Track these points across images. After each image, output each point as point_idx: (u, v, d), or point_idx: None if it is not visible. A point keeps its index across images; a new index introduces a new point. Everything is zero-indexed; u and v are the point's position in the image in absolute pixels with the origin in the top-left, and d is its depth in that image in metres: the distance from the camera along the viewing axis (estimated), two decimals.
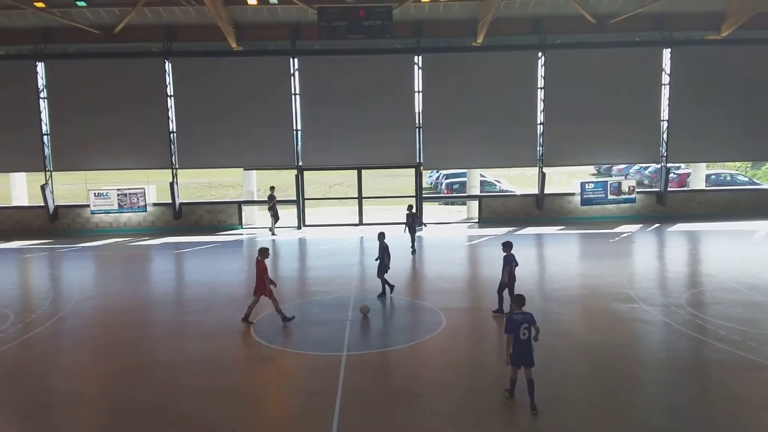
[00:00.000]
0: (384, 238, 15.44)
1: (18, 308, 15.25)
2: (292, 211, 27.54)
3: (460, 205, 32.19)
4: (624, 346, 11.77)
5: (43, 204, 26.01)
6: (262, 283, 13.18)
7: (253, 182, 28.21)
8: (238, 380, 10.65)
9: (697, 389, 9.93)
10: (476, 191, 28.51)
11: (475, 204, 27.72)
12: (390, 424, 8.90)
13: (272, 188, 25.72)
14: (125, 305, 15.34)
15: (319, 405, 9.49)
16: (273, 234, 25.28)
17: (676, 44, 25.36)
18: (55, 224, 26.29)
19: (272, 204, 25.37)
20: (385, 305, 14.72)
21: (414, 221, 20.94)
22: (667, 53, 25.64)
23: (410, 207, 21.56)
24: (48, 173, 25.91)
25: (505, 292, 13.38)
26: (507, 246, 13.45)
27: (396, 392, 9.95)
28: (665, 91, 25.88)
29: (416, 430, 8.75)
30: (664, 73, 25.76)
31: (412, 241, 20.83)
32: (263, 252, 13.34)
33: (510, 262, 13.34)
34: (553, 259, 19.98)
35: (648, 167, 37.82)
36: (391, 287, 15.36)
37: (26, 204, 27.72)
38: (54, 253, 22.21)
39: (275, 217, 25.47)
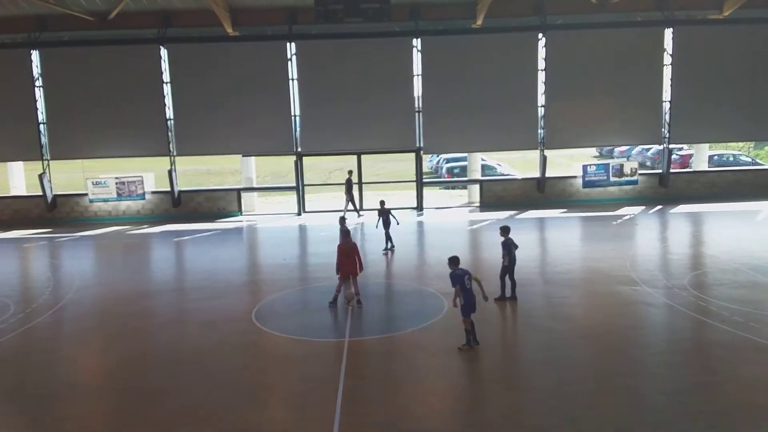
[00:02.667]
0: (344, 222, 15.86)
1: (18, 298, 15.23)
2: (292, 197, 27.43)
3: (461, 189, 32.08)
4: (626, 328, 11.73)
5: (41, 193, 25.92)
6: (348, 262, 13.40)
7: (252, 169, 28.08)
8: (241, 367, 10.62)
9: (700, 371, 9.89)
10: (477, 175, 28.38)
11: (476, 188, 27.60)
12: (393, 409, 8.88)
13: (350, 172, 25.62)
14: (126, 294, 15.30)
15: (322, 391, 9.47)
16: (359, 215, 25.15)
17: (678, 24, 25.03)
18: (54, 213, 26.22)
19: (350, 187, 25.27)
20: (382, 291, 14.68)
21: (389, 217, 18.77)
22: (668, 33, 25.35)
23: (382, 203, 19.35)
24: (45, 162, 25.79)
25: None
26: (505, 230, 13.41)
27: (399, 377, 9.93)
28: (667, 72, 25.64)
29: (419, 415, 8.73)
30: (666, 53, 25.51)
31: (387, 239, 18.80)
32: (344, 233, 14.20)
33: (509, 247, 13.28)
34: (555, 242, 19.91)
35: (650, 149, 37.63)
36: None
37: (24, 193, 27.65)
38: (53, 243, 22.16)
39: (352, 202, 25.33)
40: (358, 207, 25.48)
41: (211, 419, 8.75)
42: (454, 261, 11.01)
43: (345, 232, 14.92)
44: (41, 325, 13.16)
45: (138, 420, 8.87)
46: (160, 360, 11.13)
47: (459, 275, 10.67)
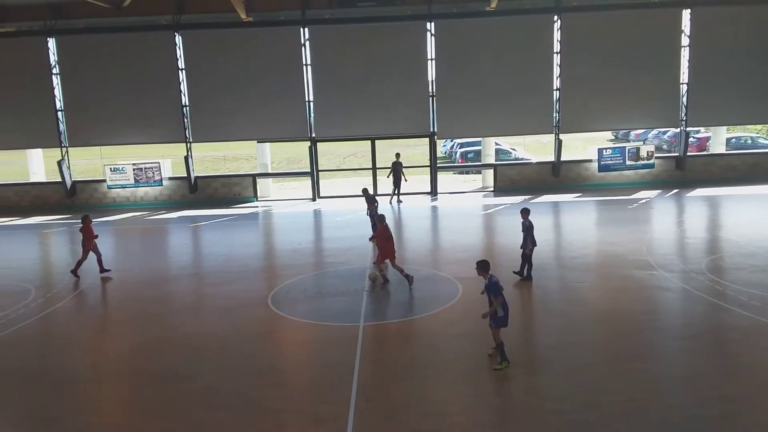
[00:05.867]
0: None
1: (39, 283, 15.51)
2: (307, 183, 27.51)
3: (475, 174, 31.98)
4: (643, 313, 11.69)
5: (60, 180, 26.25)
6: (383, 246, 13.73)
7: (267, 154, 28.17)
8: (257, 352, 10.75)
9: (717, 356, 9.86)
10: (491, 160, 28.25)
11: (490, 173, 27.49)
12: (408, 393, 8.95)
13: (398, 155, 25.29)
14: (144, 279, 15.52)
15: (337, 375, 9.56)
16: (399, 201, 25.07)
17: (696, 5, 24.62)
18: (73, 200, 26.56)
19: (396, 170, 25.03)
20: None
21: (374, 206, 18.25)
22: (686, 14, 24.94)
23: (365, 190, 18.91)
24: (64, 149, 26.08)
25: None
26: (527, 212, 13.61)
27: (413, 362, 10.00)
28: (685, 54, 25.26)
29: (433, 400, 8.80)
30: (683, 34, 25.11)
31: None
32: (380, 219, 14.08)
33: (532, 230, 13.50)
34: (571, 227, 19.82)
35: (667, 132, 37.21)
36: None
37: (44, 180, 27.99)
38: (72, 228, 22.42)
39: (396, 185, 25.09)
40: (395, 192, 25.23)
41: (227, 402, 8.88)
42: (484, 266, 9.59)
43: (381, 217, 14.68)
44: (61, 309, 13.41)
45: (155, 403, 9.04)
46: (177, 344, 11.29)
47: (498, 284, 9.39)
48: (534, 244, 13.65)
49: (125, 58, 25.19)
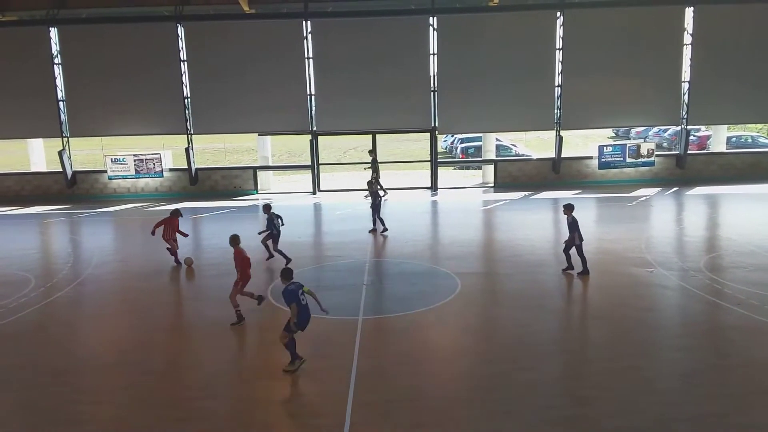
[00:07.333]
0: (270, 209, 15.79)
1: (39, 273, 15.54)
2: (307, 176, 27.51)
3: (476, 169, 31.97)
4: (641, 311, 11.72)
5: (61, 170, 26.23)
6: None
7: (268, 147, 28.15)
8: (256, 344, 10.80)
9: (714, 354, 9.90)
10: (492, 155, 28.23)
11: (490, 168, 27.49)
12: (406, 387, 8.99)
13: (370, 152, 25.52)
14: (144, 270, 15.55)
15: (335, 367, 9.61)
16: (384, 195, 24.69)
17: (699, 2, 24.57)
18: (74, 190, 26.54)
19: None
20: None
21: (377, 200, 18.74)
22: (689, 12, 24.89)
23: (370, 184, 19.48)
24: (65, 139, 26.04)
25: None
26: (569, 209, 13.70)
27: (412, 356, 10.04)
28: (687, 51, 25.23)
29: (432, 394, 8.84)
30: (686, 32, 25.07)
31: (378, 219, 18.82)
32: (234, 239, 12.16)
33: (577, 225, 13.56)
34: None
35: (667, 129, 37.19)
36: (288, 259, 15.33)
37: (44, 170, 27.95)
38: (73, 219, 22.47)
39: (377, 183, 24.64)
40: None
41: (225, 394, 8.94)
42: (286, 275, 9.58)
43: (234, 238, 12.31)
44: (61, 299, 13.45)
45: (153, 395, 9.08)
46: (176, 335, 11.36)
47: (294, 291, 9.38)
48: (581, 239, 13.67)
49: (127, 49, 25.11)
